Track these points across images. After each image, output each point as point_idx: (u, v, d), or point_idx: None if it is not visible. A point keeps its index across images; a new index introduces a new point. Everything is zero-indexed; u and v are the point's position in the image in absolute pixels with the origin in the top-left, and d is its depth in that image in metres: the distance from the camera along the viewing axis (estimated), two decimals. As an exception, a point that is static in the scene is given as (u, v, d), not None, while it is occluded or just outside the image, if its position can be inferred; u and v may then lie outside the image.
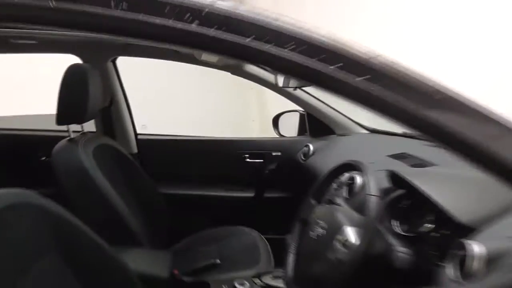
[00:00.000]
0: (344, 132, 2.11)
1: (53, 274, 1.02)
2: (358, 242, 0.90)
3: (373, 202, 0.89)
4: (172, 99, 4.36)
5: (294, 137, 2.22)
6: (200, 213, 2.13)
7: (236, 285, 1.37)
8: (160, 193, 1.96)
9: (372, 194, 0.90)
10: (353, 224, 0.97)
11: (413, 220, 1.14)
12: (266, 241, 1.79)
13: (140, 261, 1.33)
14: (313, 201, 1.19)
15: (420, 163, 1.38)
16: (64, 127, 1.54)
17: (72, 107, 1.51)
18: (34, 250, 0.99)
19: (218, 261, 1.46)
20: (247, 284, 1.38)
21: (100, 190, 1.48)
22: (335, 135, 2.11)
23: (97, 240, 1.12)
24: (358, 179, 1.32)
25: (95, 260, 1.12)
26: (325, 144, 2.01)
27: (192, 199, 2.11)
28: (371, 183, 0.93)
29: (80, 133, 1.64)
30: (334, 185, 1.24)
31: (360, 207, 1.23)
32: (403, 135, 1.93)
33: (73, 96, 1.50)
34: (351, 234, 0.93)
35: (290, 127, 2.30)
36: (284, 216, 2.20)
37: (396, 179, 1.05)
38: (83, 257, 1.08)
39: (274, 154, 2.10)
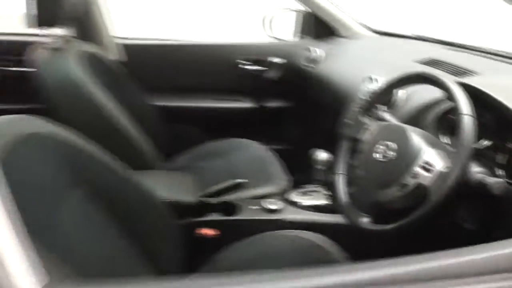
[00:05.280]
0: (349, 34, 1.95)
1: (80, 210, 0.87)
2: (444, 167, 0.81)
3: (469, 123, 0.78)
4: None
5: (295, 40, 2.02)
6: (196, 126, 1.97)
7: (265, 204, 1.28)
8: (152, 105, 1.77)
9: (467, 113, 0.79)
10: (432, 145, 0.87)
11: None
12: (272, 153, 1.69)
13: (163, 184, 1.20)
14: (362, 117, 1.07)
15: (460, 71, 1.27)
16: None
17: (51, 7, 1.23)
18: (58, 185, 0.83)
19: (245, 180, 1.35)
20: (277, 203, 1.30)
21: (97, 105, 1.29)
22: (340, 38, 1.94)
23: (116, 167, 0.97)
24: (400, 92, 1.21)
25: (119, 190, 0.97)
26: (333, 49, 1.85)
27: (186, 111, 1.92)
28: (463, 100, 0.81)
29: (62, 39, 1.37)
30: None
31: (404, 119, 1.13)
32: (416, 38, 1.81)
33: None
34: (435, 158, 0.84)
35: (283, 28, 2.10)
36: (287, 126, 2.10)
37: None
38: (107, 189, 0.94)
39: (275, 60, 1.91)
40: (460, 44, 1.58)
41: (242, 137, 1.80)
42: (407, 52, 1.58)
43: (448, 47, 1.60)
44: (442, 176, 0.80)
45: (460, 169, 0.76)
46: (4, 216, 0.43)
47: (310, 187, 1.47)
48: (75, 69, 1.26)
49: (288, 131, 2.08)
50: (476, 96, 0.89)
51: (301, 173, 1.97)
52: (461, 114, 0.80)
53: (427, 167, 0.83)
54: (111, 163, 0.96)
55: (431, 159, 0.84)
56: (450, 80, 0.86)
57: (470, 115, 0.79)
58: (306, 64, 1.88)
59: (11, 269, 0.42)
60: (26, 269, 0.44)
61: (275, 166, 1.57)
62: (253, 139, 1.80)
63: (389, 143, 0.93)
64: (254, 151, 1.70)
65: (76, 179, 0.86)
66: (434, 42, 1.70)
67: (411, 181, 0.85)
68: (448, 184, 0.76)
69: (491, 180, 0.78)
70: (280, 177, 1.49)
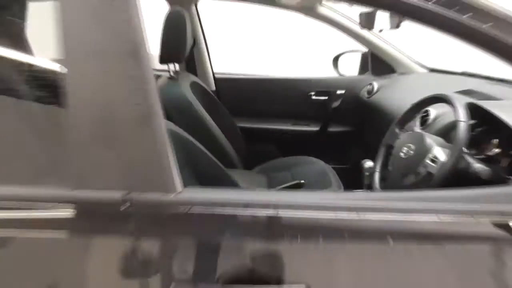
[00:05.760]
0: (404, 70, 2.27)
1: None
2: (446, 159, 1.12)
3: (463, 127, 1.09)
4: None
5: (357, 76, 2.39)
6: (270, 144, 2.38)
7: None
8: (236, 126, 2.21)
9: (462, 120, 1.10)
10: (440, 145, 1.18)
11: (482, 145, 1.35)
12: (332, 169, 2.03)
13: (244, 179, 1.60)
14: (397, 130, 1.40)
15: (487, 98, 1.55)
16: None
17: (174, 48, 1.72)
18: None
19: (303, 181, 1.71)
20: (330, 199, 1.63)
21: (202, 120, 1.74)
22: (396, 74, 2.27)
23: (215, 160, 1.39)
24: (432, 112, 1.52)
25: (215, 177, 1.38)
26: (388, 83, 2.18)
27: (263, 132, 2.35)
28: (461, 110, 1.12)
29: (175, 72, 1.87)
30: (418, 116, 1.45)
31: (435, 134, 1.44)
32: (463, 74, 2.08)
33: (175, 38, 1.70)
34: (441, 153, 1.15)
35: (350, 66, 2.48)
36: (346, 148, 2.44)
37: (471, 110, 1.23)
38: (204, 172, 1.35)
39: (338, 92, 2.29)
40: (500, 79, 1.84)
41: (308, 155, 2.17)
42: (450, 85, 1.87)
43: (489, 81, 1.87)
44: (443, 165, 1.11)
45: (455, 159, 1.07)
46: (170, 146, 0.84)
47: (359, 190, 1.79)
48: (187, 93, 1.74)
49: (347, 151, 2.42)
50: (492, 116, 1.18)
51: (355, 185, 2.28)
52: (457, 120, 1.11)
53: (434, 160, 1.15)
54: (209, 156, 1.38)
55: (438, 154, 1.15)
56: (456, 99, 1.17)
57: (463, 121, 1.10)
58: (364, 95, 2.23)
59: (173, 175, 0.83)
60: (178, 177, 0.85)
61: (332, 178, 1.91)
62: (317, 158, 2.16)
63: (410, 145, 1.25)
64: (317, 166, 2.05)
65: (185, 161, 1.28)
66: (478, 77, 1.96)
67: (423, 170, 1.16)
68: (445, 169, 1.07)
69: (482, 169, 1.08)
70: (335, 185, 1.82)
